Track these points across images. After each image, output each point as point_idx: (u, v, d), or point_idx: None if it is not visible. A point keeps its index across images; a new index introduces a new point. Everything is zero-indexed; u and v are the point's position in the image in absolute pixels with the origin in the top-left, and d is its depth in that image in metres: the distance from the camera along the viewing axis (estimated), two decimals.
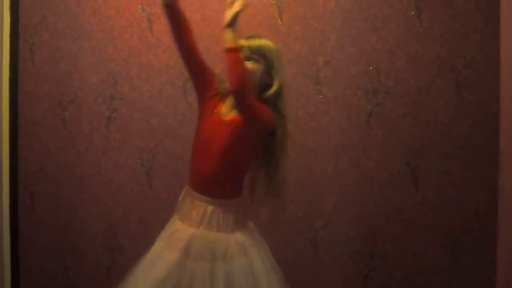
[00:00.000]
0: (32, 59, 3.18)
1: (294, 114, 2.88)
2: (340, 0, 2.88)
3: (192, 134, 2.32)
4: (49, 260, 3.19)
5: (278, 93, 2.18)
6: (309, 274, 2.94)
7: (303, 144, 2.92)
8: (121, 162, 3.11)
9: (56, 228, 3.18)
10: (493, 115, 2.63)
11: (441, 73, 2.81)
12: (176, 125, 3.04)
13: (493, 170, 2.53)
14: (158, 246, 2.23)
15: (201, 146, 2.22)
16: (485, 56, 2.76)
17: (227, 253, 2.13)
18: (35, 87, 3.18)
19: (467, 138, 2.80)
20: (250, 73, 2.14)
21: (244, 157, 2.19)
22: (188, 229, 2.18)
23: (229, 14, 2.05)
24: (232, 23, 2.05)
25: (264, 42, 2.20)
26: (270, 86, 2.18)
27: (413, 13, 2.82)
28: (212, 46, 2.75)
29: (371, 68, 2.87)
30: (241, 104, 2.09)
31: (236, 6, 2.04)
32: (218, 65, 2.33)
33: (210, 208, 2.17)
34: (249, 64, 2.14)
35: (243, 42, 2.15)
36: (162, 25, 2.93)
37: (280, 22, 2.93)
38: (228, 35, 2.05)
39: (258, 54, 2.16)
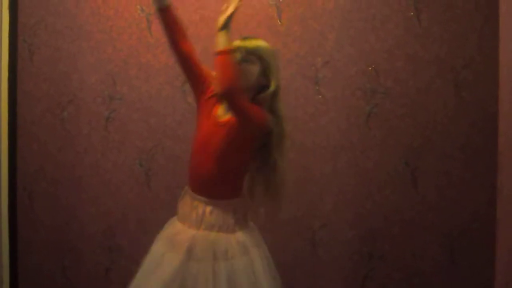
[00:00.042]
0: (31, 59, 3.18)
1: (293, 115, 2.90)
2: (339, 1, 2.88)
3: (190, 134, 2.32)
4: (48, 260, 3.19)
5: (274, 94, 2.17)
6: (308, 275, 2.94)
7: (302, 144, 2.92)
8: (120, 162, 3.11)
9: (54, 228, 3.18)
10: (492, 115, 2.62)
11: (440, 74, 2.81)
12: (175, 125, 3.04)
13: (492, 170, 2.54)
14: (160, 247, 2.22)
15: (199, 147, 2.22)
16: (484, 56, 2.76)
17: (228, 253, 2.13)
18: (34, 87, 3.18)
19: (466, 139, 2.80)
20: (246, 74, 2.13)
21: (241, 158, 2.19)
22: (188, 230, 2.18)
23: (222, 17, 2.06)
24: (224, 26, 2.05)
25: (260, 43, 2.20)
26: (266, 87, 2.17)
27: (412, 13, 2.83)
28: (211, 47, 2.72)
29: (370, 68, 2.87)
30: (231, 106, 2.09)
31: (230, 10, 2.05)
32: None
33: (209, 208, 2.17)
34: (245, 66, 2.14)
35: (238, 42, 2.15)
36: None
37: (279, 23, 2.93)
38: (220, 38, 2.05)
39: (254, 55, 2.15)
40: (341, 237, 2.91)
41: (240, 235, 2.18)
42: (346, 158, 2.90)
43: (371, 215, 2.89)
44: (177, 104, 3.02)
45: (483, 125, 2.77)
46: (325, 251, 2.93)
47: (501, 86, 2.26)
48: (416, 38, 2.82)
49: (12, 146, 3.16)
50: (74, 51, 3.13)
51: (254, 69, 2.15)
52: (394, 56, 2.85)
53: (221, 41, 2.05)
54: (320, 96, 2.91)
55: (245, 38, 2.19)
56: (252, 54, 2.15)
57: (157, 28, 3.01)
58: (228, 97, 2.04)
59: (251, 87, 2.15)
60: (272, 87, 2.16)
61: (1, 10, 3.09)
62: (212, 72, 2.27)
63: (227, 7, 2.06)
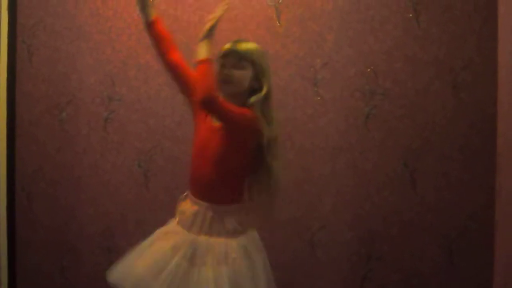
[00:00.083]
0: (29, 60, 3.18)
1: (292, 116, 2.90)
2: (337, 2, 2.88)
3: (190, 135, 2.32)
4: (46, 261, 3.19)
5: (266, 97, 2.16)
6: (306, 275, 2.94)
7: (300, 145, 2.92)
8: (119, 163, 3.11)
9: (53, 229, 3.18)
10: (491, 117, 2.63)
11: (438, 75, 2.82)
12: (173, 126, 3.04)
13: (491, 172, 2.53)
14: (156, 235, 2.24)
15: (197, 152, 2.22)
16: (483, 58, 2.76)
17: (229, 257, 2.12)
18: (33, 88, 3.18)
19: (465, 140, 2.80)
20: (239, 80, 2.13)
21: (239, 161, 2.17)
22: (189, 235, 2.17)
23: (206, 26, 2.07)
24: (207, 36, 2.07)
25: (251, 46, 2.19)
26: (259, 90, 2.17)
27: (411, 15, 2.83)
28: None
29: (368, 69, 2.87)
30: (211, 113, 2.11)
31: (213, 20, 2.07)
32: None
33: (209, 213, 2.16)
34: (238, 72, 2.14)
35: (229, 46, 2.16)
36: None
37: (278, 24, 2.93)
38: (201, 48, 2.07)
39: (247, 60, 2.14)
40: (340, 238, 2.91)
41: (241, 240, 2.17)
42: (344, 159, 2.90)
43: (370, 216, 2.88)
44: (176, 105, 3.02)
45: (482, 126, 2.77)
46: (324, 252, 2.93)
47: (500, 88, 2.26)
48: (415, 39, 2.82)
49: (11, 147, 3.16)
50: (73, 52, 3.14)
51: (247, 74, 2.14)
52: (392, 58, 2.85)
53: (202, 51, 2.06)
54: (318, 97, 2.91)
55: (236, 42, 2.19)
56: (245, 59, 2.14)
57: None
58: (206, 105, 2.05)
59: (244, 91, 2.15)
60: (264, 90, 2.15)
61: (0, 11, 3.09)
62: None
63: (213, 17, 2.08)
